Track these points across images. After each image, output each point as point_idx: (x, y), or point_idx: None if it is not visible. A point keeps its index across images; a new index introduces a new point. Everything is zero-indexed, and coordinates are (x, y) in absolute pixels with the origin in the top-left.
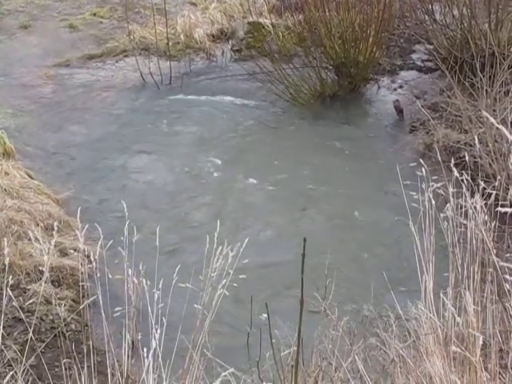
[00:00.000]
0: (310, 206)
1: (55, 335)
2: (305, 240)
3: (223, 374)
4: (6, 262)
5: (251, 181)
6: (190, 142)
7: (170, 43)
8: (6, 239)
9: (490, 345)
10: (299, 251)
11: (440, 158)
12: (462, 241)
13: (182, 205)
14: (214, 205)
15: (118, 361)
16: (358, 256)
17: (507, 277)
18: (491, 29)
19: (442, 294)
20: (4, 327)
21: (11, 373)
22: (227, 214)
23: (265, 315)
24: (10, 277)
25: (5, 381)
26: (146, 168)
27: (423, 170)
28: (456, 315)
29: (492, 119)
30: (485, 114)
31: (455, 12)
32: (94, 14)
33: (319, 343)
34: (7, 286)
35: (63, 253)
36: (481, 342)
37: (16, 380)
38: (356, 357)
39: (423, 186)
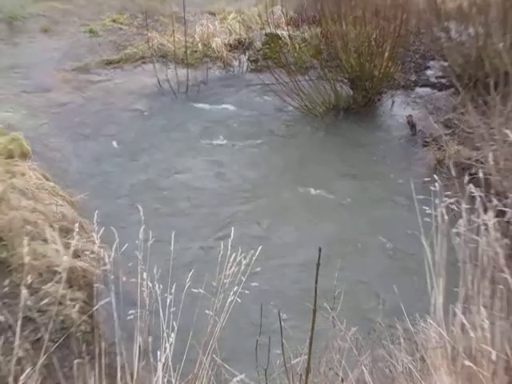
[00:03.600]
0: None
1: (66, 336)
2: (320, 250)
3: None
4: (26, 261)
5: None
6: (207, 148)
7: (188, 51)
8: (25, 240)
9: (497, 360)
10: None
11: (454, 174)
12: (473, 257)
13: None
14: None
15: (128, 363)
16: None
17: None
18: (506, 48)
19: (453, 309)
20: (10, 327)
21: (28, 370)
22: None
23: None
24: (28, 276)
25: (21, 378)
26: (158, 176)
27: (436, 184)
28: (469, 330)
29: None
30: (505, 131)
31: (471, 30)
32: (114, 21)
33: (327, 353)
34: (25, 285)
35: (76, 254)
36: (494, 358)
37: (29, 377)
38: (363, 368)
39: (436, 201)
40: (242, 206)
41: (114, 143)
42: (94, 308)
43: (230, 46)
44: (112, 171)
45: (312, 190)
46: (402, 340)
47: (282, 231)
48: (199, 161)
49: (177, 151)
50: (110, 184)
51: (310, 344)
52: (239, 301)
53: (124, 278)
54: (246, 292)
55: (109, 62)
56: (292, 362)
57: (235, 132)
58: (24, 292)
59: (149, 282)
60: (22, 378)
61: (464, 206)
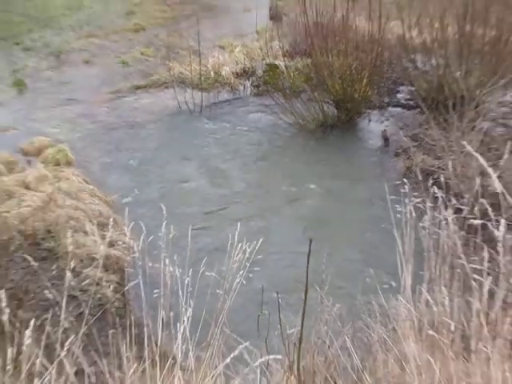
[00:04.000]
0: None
1: (103, 311)
2: (311, 241)
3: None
4: (69, 250)
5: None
6: (217, 154)
7: (202, 78)
8: (69, 232)
9: (455, 330)
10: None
11: (420, 178)
12: (435, 246)
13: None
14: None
15: (153, 333)
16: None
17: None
18: (461, 76)
19: (420, 288)
20: (57, 303)
21: (71, 338)
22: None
23: None
24: (72, 262)
25: (66, 344)
26: (182, 173)
27: (406, 187)
28: (433, 305)
29: (470, 148)
30: (465, 144)
31: (433, 61)
32: (142, 53)
33: (316, 325)
34: (69, 269)
35: (110, 244)
36: (452, 328)
37: (73, 344)
38: (346, 337)
39: (406, 201)
40: (249, 192)
41: (139, 154)
42: (125, 288)
43: (237, 73)
44: (142, 175)
45: (304, 186)
46: (377, 314)
47: (282, 213)
48: (215, 163)
49: (197, 154)
50: (137, 185)
51: (303, 318)
52: (244, 282)
53: (150, 264)
54: (250, 275)
55: (137, 87)
56: (288, 332)
57: (242, 142)
58: (68, 275)
59: (170, 267)
60: (66, 344)
61: (428, 204)
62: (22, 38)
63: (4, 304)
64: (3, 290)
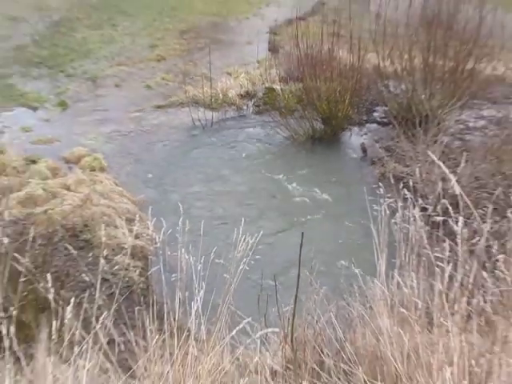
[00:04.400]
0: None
1: (130, 291)
2: (302, 234)
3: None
4: (102, 240)
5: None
6: (224, 161)
7: (212, 99)
8: (103, 226)
9: (421, 308)
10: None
11: (392, 182)
12: (405, 238)
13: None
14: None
15: (171, 310)
16: (327, 242)
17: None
18: (426, 98)
19: (392, 273)
20: (93, 285)
21: (104, 314)
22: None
23: None
24: (105, 251)
25: (100, 318)
26: (195, 178)
27: (381, 190)
28: (403, 287)
29: (434, 157)
30: (430, 154)
31: (403, 86)
32: (163, 79)
33: (306, 303)
34: (102, 257)
35: (136, 236)
36: (419, 306)
37: (106, 319)
38: (331, 314)
39: (381, 201)
40: (250, 190)
41: (160, 161)
42: (149, 273)
43: (241, 95)
44: (161, 178)
45: (295, 185)
46: (357, 294)
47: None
48: (223, 167)
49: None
50: (159, 189)
51: (295, 298)
52: (247, 268)
53: (169, 253)
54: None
55: (159, 106)
56: (283, 310)
57: (244, 149)
58: (102, 261)
59: (186, 256)
60: (101, 319)
61: (399, 204)
62: (65, 67)
63: (50, 285)
64: (49, 274)
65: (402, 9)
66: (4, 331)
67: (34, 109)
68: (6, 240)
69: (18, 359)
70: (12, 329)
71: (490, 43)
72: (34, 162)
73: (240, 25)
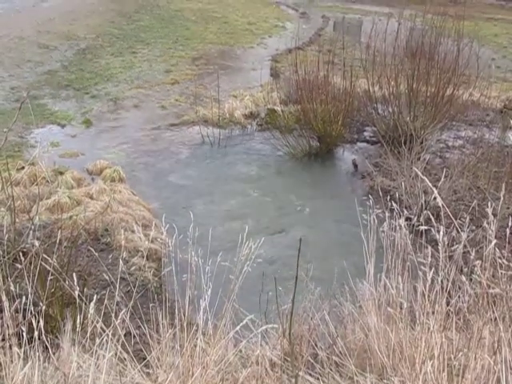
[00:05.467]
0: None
1: (145, 289)
2: (300, 240)
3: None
4: (121, 244)
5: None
6: (230, 172)
7: (220, 118)
8: (122, 231)
9: (405, 307)
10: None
11: (380, 195)
12: (391, 245)
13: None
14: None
15: (182, 307)
16: (322, 248)
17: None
18: (410, 120)
19: (380, 276)
20: (112, 283)
21: (124, 310)
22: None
23: None
24: (123, 253)
25: (121, 314)
26: (204, 188)
27: (370, 201)
28: (390, 288)
29: (418, 172)
30: (415, 169)
31: (390, 109)
32: (176, 100)
33: (303, 302)
34: (121, 258)
35: (151, 240)
36: (405, 306)
37: (123, 314)
38: (324, 312)
39: (370, 211)
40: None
41: (173, 173)
42: (162, 273)
43: (246, 115)
44: (173, 189)
45: (293, 195)
46: (348, 294)
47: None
48: (228, 180)
49: (211, 172)
50: (172, 197)
51: (293, 298)
52: (250, 270)
53: (180, 256)
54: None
55: (172, 125)
56: (282, 308)
57: (247, 163)
58: (121, 262)
59: (195, 258)
60: (120, 314)
61: (386, 214)
62: (90, 89)
63: (75, 283)
64: (74, 273)
65: (389, 41)
66: (34, 323)
67: (62, 126)
68: (36, 242)
69: (46, 348)
70: (41, 321)
71: (466, 72)
72: (61, 173)
73: (245, 53)
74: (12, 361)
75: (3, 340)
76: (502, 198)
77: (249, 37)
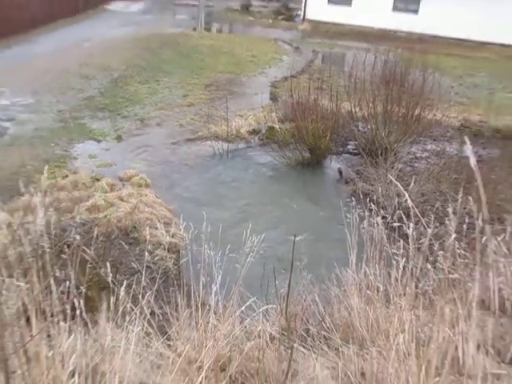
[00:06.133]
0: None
1: (166, 276)
2: (295, 236)
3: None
4: (146, 238)
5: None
6: (234, 175)
7: (228, 134)
8: (147, 228)
9: (382, 290)
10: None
11: (361, 197)
12: (370, 238)
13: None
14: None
15: (197, 291)
16: (313, 241)
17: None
18: (385, 135)
19: (361, 264)
20: (139, 271)
21: (148, 293)
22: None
23: None
24: (148, 246)
25: (146, 296)
26: (215, 191)
27: (353, 202)
28: (369, 275)
29: (392, 179)
30: (389, 176)
31: (369, 126)
32: (192, 119)
33: (297, 286)
34: (147, 250)
35: (171, 235)
36: (381, 289)
37: (148, 296)
38: (315, 294)
39: (353, 211)
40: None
41: (190, 179)
42: (180, 262)
43: (250, 132)
44: (190, 193)
45: (288, 197)
46: (334, 280)
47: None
48: (235, 187)
49: (217, 178)
50: (189, 200)
51: (289, 283)
52: (253, 260)
53: (195, 248)
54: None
55: (189, 140)
56: (280, 291)
57: (251, 171)
58: (146, 254)
59: (207, 250)
60: (146, 296)
61: (366, 213)
62: (121, 111)
63: (108, 270)
64: (108, 262)
65: (367, 70)
66: (76, 303)
67: (99, 141)
68: (77, 237)
69: (86, 324)
70: (82, 302)
71: (431, 97)
72: (97, 180)
73: (249, 80)
74: (59, 333)
75: (52, 316)
76: (460, 200)
77: (252, 67)
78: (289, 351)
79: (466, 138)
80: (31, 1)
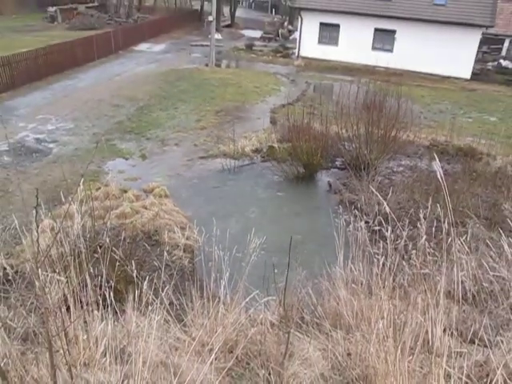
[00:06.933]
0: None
1: (183, 273)
2: (291, 237)
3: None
4: (165, 240)
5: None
6: (242, 188)
7: (235, 153)
8: (166, 232)
9: (365, 283)
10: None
11: (347, 205)
12: (355, 240)
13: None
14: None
15: (208, 284)
16: (307, 243)
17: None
18: (368, 152)
19: (347, 262)
20: (160, 268)
21: (167, 287)
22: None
23: None
24: (167, 247)
25: (164, 290)
26: (222, 200)
27: (340, 210)
28: (354, 271)
29: (373, 189)
30: (370, 188)
31: (353, 145)
32: (204, 140)
33: (293, 281)
34: (166, 251)
35: (186, 238)
36: (364, 282)
37: (167, 289)
38: (308, 287)
39: (340, 216)
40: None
41: (203, 189)
42: (194, 261)
43: (253, 150)
44: (202, 202)
45: (286, 205)
46: (325, 275)
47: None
48: (242, 197)
49: (224, 189)
50: (201, 208)
51: (286, 278)
52: (256, 259)
53: (207, 249)
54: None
55: (201, 157)
56: (278, 285)
57: (254, 183)
58: (165, 254)
59: (218, 251)
60: (165, 289)
61: (351, 218)
62: (145, 133)
63: (134, 268)
64: (133, 261)
65: (352, 98)
66: (107, 295)
67: (126, 159)
68: (108, 239)
69: (115, 312)
70: (111, 293)
71: (404, 120)
72: (125, 191)
73: (252, 107)
74: (93, 319)
75: (87, 305)
76: (429, 207)
77: (255, 96)
78: (286, 336)
79: (435, 155)
80: (75, 47)
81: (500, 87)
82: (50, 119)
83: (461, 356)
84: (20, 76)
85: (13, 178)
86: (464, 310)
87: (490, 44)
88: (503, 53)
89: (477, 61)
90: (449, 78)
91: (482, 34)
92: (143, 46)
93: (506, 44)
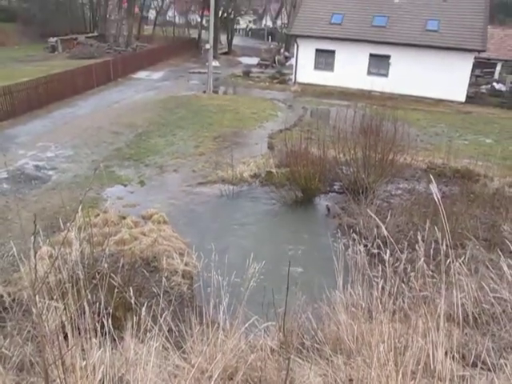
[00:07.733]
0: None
1: (181, 299)
2: (289, 262)
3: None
4: (164, 267)
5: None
6: (240, 213)
7: (233, 178)
8: (165, 258)
9: (365, 307)
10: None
11: (346, 229)
12: (355, 264)
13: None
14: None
15: (207, 310)
16: (307, 265)
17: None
18: (366, 177)
19: (346, 286)
20: (158, 294)
21: (165, 313)
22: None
23: None
24: (166, 273)
25: (162, 317)
26: (223, 226)
27: (339, 233)
28: (353, 295)
29: (371, 213)
30: (368, 211)
31: (351, 169)
32: (203, 166)
33: (292, 306)
34: (165, 277)
35: (185, 264)
36: (363, 305)
37: (166, 316)
38: (308, 312)
39: (339, 240)
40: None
41: (202, 215)
42: (193, 287)
43: (251, 175)
44: (201, 228)
45: (284, 229)
46: (325, 299)
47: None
48: (238, 222)
49: (224, 215)
50: (200, 234)
51: (285, 303)
52: (255, 284)
53: (206, 274)
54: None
55: (200, 183)
56: (277, 310)
57: (252, 208)
58: (164, 280)
59: (216, 276)
60: (163, 316)
61: (350, 242)
62: (144, 160)
63: (132, 294)
64: (132, 287)
65: (349, 122)
66: (105, 322)
67: (125, 185)
68: (106, 266)
69: (113, 339)
70: (110, 320)
71: (401, 144)
72: (124, 217)
73: (250, 133)
74: (91, 347)
75: (85, 332)
76: (427, 229)
77: (252, 122)
78: (286, 362)
79: (432, 178)
80: (75, 75)
81: (494, 109)
82: (49, 147)
83: (464, 380)
84: (21, 104)
85: (12, 205)
86: (466, 333)
87: (482, 68)
88: (496, 76)
89: (470, 84)
90: (443, 101)
91: (475, 58)
92: (142, 74)
93: (498, 68)
